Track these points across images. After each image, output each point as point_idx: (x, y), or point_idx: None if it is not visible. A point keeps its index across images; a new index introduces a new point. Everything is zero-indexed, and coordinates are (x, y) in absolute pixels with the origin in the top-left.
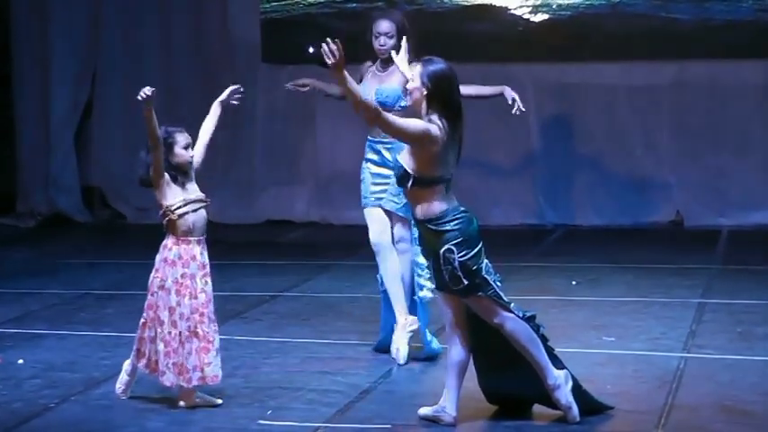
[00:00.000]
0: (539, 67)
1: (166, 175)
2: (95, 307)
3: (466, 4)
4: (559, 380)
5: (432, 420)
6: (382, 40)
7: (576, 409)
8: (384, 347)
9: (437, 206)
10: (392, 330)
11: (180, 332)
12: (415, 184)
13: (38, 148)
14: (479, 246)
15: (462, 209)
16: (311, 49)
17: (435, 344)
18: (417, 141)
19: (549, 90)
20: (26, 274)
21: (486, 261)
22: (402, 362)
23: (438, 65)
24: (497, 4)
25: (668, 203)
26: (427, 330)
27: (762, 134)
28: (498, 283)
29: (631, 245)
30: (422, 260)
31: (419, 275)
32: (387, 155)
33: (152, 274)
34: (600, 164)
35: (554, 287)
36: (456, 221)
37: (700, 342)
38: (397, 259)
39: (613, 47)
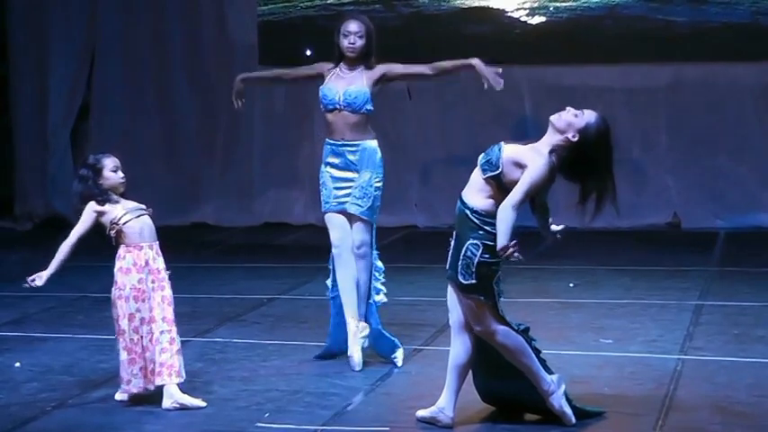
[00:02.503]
0: (536, 69)
1: (98, 207)
2: (93, 310)
3: (463, 6)
4: (553, 385)
5: (429, 422)
6: (352, 38)
7: (570, 412)
8: (331, 353)
9: (489, 205)
10: (340, 336)
11: (142, 337)
12: (494, 179)
13: (36, 151)
14: (499, 258)
15: None
16: (308, 52)
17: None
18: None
19: (547, 92)
20: (24, 276)
21: (500, 274)
22: (357, 368)
23: (605, 128)
24: (495, 7)
25: (665, 206)
26: (384, 329)
27: (759, 136)
28: (501, 298)
29: (629, 247)
30: (381, 264)
31: (376, 279)
32: (351, 157)
33: (113, 288)
34: None
35: (551, 289)
36: (495, 227)
37: (697, 344)
38: (355, 266)
39: (610, 49)
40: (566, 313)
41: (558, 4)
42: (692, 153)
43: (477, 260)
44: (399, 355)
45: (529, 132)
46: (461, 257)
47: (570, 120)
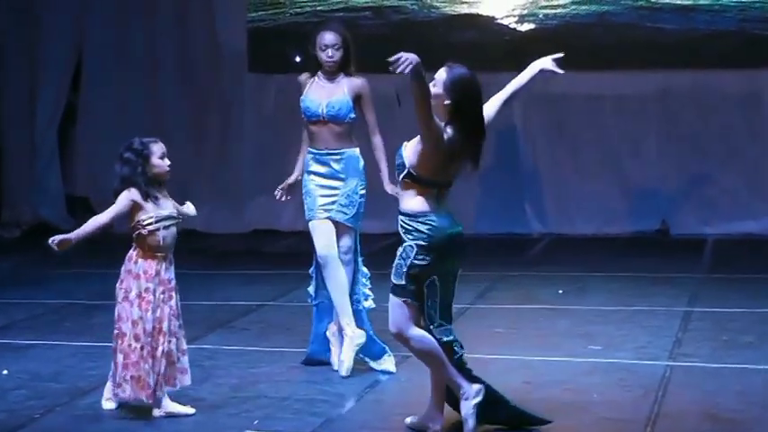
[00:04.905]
0: None
1: (137, 196)
2: (81, 317)
3: (453, 13)
4: (467, 392)
5: (419, 429)
6: (330, 52)
7: (472, 425)
8: (314, 360)
9: (418, 204)
10: (323, 343)
11: (142, 346)
12: (406, 177)
13: (23, 159)
14: (439, 261)
15: (443, 222)
16: (298, 59)
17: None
18: (430, 140)
19: (536, 99)
20: (11, 283)
21: (434, 278)
22: (345, 374)
23: (462, 72)
24: (484, 14)
25: (654, 212)
26: (375, 335)
27: (747, 143)
28: (433, 301)
29: (617, 254)
30: (366, 270)
31: (364, 285)
32: (336, 166)
33: (117, 285)
34: (586, 173)
35: (540, 296)
36: (429, 227)
37: (685, 350)
38: (344, 272)
39: (600, 56)
40: (554, 320)
41: (547, 12)
42: (680, 160)
43: (410, 261)
44: (389, 362)
45: (518, 138)
46: (397, 258)
47: (433, 93)
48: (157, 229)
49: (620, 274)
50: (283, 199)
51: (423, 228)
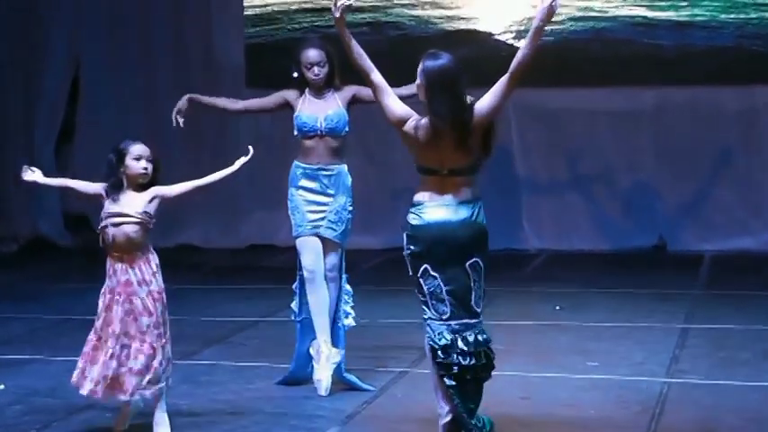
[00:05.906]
0: (522, 92)
1: (102, 190)
2: (78, 332)
3: (450, 29)
4: (440, 410)
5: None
6: (316, 69)
7: None
8: (294, 379)
9: (417, 195)
10: (304, 361)
11: (95, 338)
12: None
13: (21, 170)
14: (426, 251)
15: (436, 213)
16: (295, 74)
17: (352, 376)
18: (392, 124)
19: (532, 115)
20: (9, 298)
21: (426, 267)
22: (324, 393)
23: (434, 60)
24: (482, 30)
25: (651, 228)
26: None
27: (744, 159)
28: (432, 293)
29: (614, 270)
30: (349, 288)
31: (346, 302)
32: (326, 181)
33: None
34: (583, 189)
35: (537, 312)
36: (414, 216)
37: (683, 367)
38: (326, 290)
39: (596, 72)
40: (552, 336)
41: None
42: (677, 176)
43: (404, 252)
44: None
45: (515, 155)
46: None
47: (416, 86)
48: (105, 227)
49: (618, 290)
50: (179, 121)
51: (409, 218)
